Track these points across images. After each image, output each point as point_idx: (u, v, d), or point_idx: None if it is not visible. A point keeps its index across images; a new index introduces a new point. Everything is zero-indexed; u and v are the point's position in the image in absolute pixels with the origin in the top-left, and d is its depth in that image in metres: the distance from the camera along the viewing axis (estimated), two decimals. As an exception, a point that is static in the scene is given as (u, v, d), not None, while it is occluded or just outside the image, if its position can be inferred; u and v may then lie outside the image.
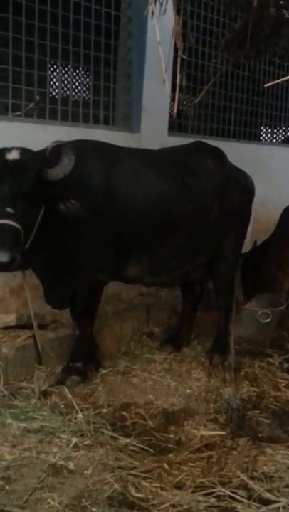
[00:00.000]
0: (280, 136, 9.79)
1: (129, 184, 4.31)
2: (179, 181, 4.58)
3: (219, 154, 5.02)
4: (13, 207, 3.62)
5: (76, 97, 7.67)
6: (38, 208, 3.79)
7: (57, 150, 3.81)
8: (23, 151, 3.77)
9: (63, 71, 7.32)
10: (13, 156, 3.71)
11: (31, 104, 5.15)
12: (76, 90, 8.23)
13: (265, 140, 9.42)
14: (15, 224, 3.59)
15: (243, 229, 5.25)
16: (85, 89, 7.72)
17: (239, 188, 5.01)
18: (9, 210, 3.62)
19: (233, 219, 4.94)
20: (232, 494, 3.12)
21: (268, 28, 4.85)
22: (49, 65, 5.90)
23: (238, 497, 3.10)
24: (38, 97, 5.23)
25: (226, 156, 5.05)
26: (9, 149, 3.75)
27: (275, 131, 9.61)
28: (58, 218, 3.88)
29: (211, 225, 4.77)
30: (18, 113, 5.11)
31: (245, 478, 3.27)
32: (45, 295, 4.38)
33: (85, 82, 7.63)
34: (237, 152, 5.49)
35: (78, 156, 3.84)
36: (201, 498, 3.08)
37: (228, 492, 3.13)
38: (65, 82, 7.58)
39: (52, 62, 5.84)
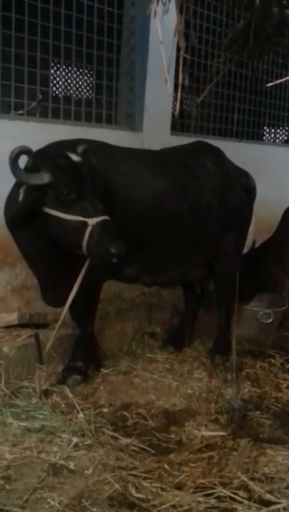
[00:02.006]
0: (283, 136, 9.77)
1: (127, 184, 4.29)
2: (176, 181, 4.56)
3: (218, 154, 5.01)
4: (101, 203, 3.72)
5: (79, 96, 7.66)
6: None
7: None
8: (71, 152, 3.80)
9: (66, 70, 7.32)
10: (76, 157, 3.74)
11: (34, 103, 5.14)
12: (79, 89, 8.22)
13: (268, 140, 9.41)
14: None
15: (243, 229, 5.23)
16: (87, 88, 7.72)
17: (239, 188, 5.00)
18: (100, 207, 3.72)
19: (233, 219, 4.92)
20: (232, 495, 3.11)
21: (271, 28, 4.85)
22: (52, 64, 5.90)
23: (238, 498, 3.09)
24: (40, 96, 5.23)
25: (225, 155, 5.03)
26: (64, 150, 3.78)
27: (278, 131, 9.59)
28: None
29: (210, 225, 4.76)
30: (21, 112, 5.10)
31: (245, 479, 3.26)
32: (43, 293, 4.36)
33: (87, 81, 7.62)
34: (239, 152, 5.50)
35: None
36: (201, 499, 3.06)
37: (228, 493, 3.12)
38: (68, 81, 7.58)
39: (54, 61, 5.83)
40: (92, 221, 3.63)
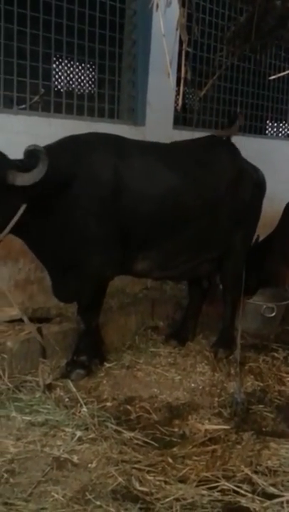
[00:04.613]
0: (286, 130, 9.75)
1: (139, 178, 4.27)
2: (189, 175, 4.54)
3: (232, 148, 5.00)
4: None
5: (81, 91, 7.66)
6: (10, 208, 3.75)
7: (31, 155, 3.71)
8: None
9: (68, 64, 7.32)
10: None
11: (36, 97, 5.14)
12: (81, 83, 8.21)
13: (271, 134, 9.38)
14: None
15: (253, 224, 5.20)
16: (89, 82, 7.71)
17: (251, 183, 4.96)
18: None
19: (243, 214, 4.90)
20: (236, 488, 3.11)
21: (274, 21, 4.83)
22: (54, 58, 5.89)
23: (242, 491, 3.10)
24: (42, 90, 5.22)
25: (238, 150, 5.02)
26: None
27: (281, 125, 9.57)
28: (65, 212, 3.89)
29: (222, 220, 4.73)
30: (23, 106, 5.10)
31: (249, 473, 3.26)
32: (54, 289, 4.38)
33: (89, 76, 7.62)
34: (242, 146, 5.46)
35: (88, 149, 3.83)
36: (204, 492, 3.07)
37: (232, 486, 3.13)
38: (70, 75, 7.58)
39: (57, 55, 5.83)
40: None
